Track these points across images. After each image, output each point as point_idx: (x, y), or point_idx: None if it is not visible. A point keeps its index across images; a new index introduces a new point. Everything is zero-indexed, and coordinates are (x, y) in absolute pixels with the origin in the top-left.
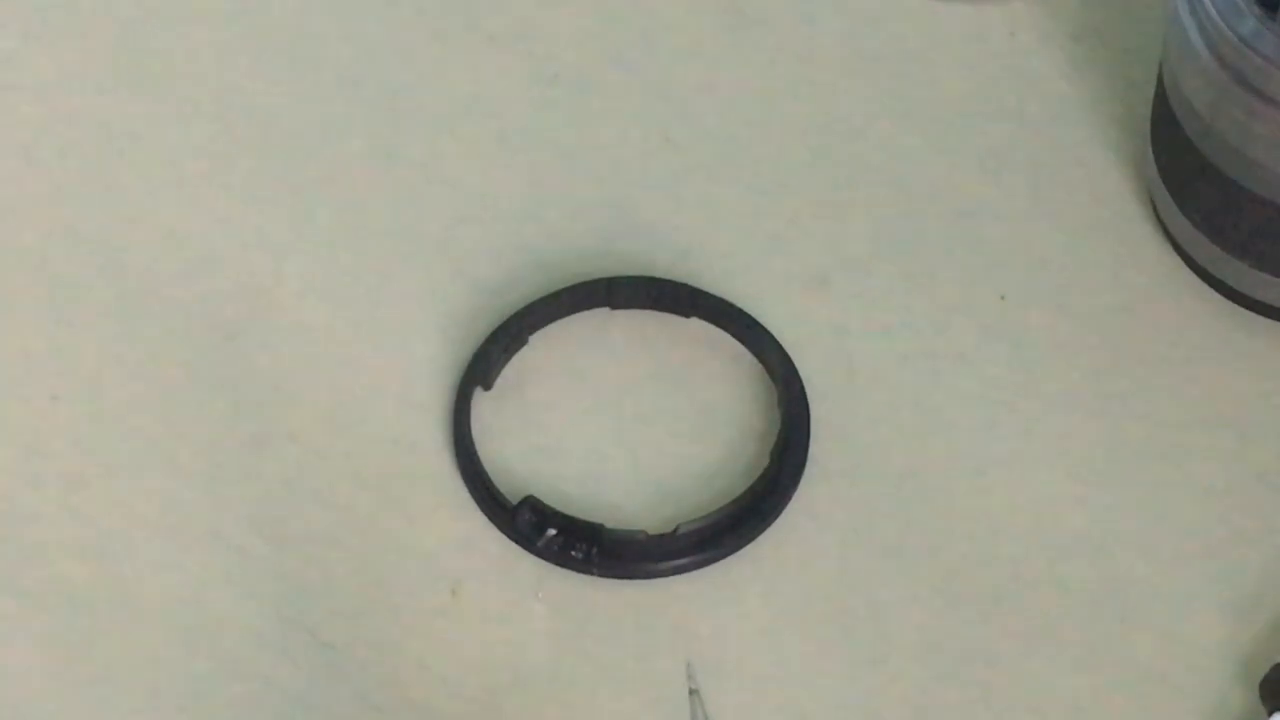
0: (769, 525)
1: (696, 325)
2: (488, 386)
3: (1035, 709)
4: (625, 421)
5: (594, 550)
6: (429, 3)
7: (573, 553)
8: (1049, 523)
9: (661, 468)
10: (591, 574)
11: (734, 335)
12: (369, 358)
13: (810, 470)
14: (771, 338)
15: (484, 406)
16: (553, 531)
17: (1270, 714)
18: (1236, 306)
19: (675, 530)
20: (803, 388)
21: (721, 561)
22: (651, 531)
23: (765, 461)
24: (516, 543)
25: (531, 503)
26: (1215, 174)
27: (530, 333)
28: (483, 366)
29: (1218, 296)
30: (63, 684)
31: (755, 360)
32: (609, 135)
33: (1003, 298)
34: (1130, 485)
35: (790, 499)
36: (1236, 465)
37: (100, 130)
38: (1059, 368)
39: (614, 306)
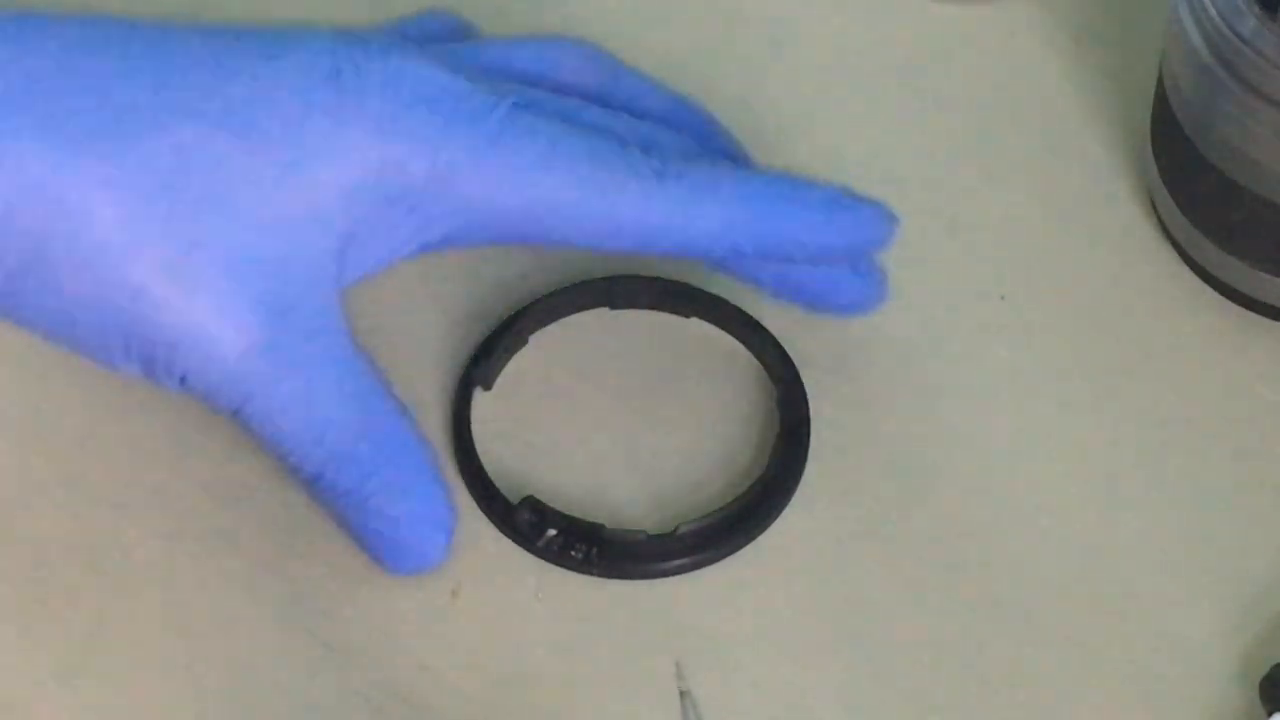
0: (769, 525)
1: (696, 325)
2: (488, 386)
3: (1034, 709)
4: (625, 421)
5: (594, 550)
6: (429, 2)
7: (573, 552)
8: (1049, 523)
9: (661, 468)
10: (591, 574)
11: (734, 335)
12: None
13: (810, 470)
14: (771, 337)
15: (484, 407)
16: (553, 531)
17: (1270, 714)
18: (1236, 306)
19: (675, 530)
20: (802, 388)
21: (721, 562)
22: (652, 531)
23: (765, 461)
24: (516, 543)
25: (531, 503)
26: (1215, 174)
27: (530, 333)
28: (483, 366)
29: (1218, 296)
30: (62, 683)
31: (755, 360)
32: None
33: (1003, 298)
34: (1130, 485)
35: (790, 499)
36: (1236, 465)
37: None
38: (1059, 368)
39: (614, 306)
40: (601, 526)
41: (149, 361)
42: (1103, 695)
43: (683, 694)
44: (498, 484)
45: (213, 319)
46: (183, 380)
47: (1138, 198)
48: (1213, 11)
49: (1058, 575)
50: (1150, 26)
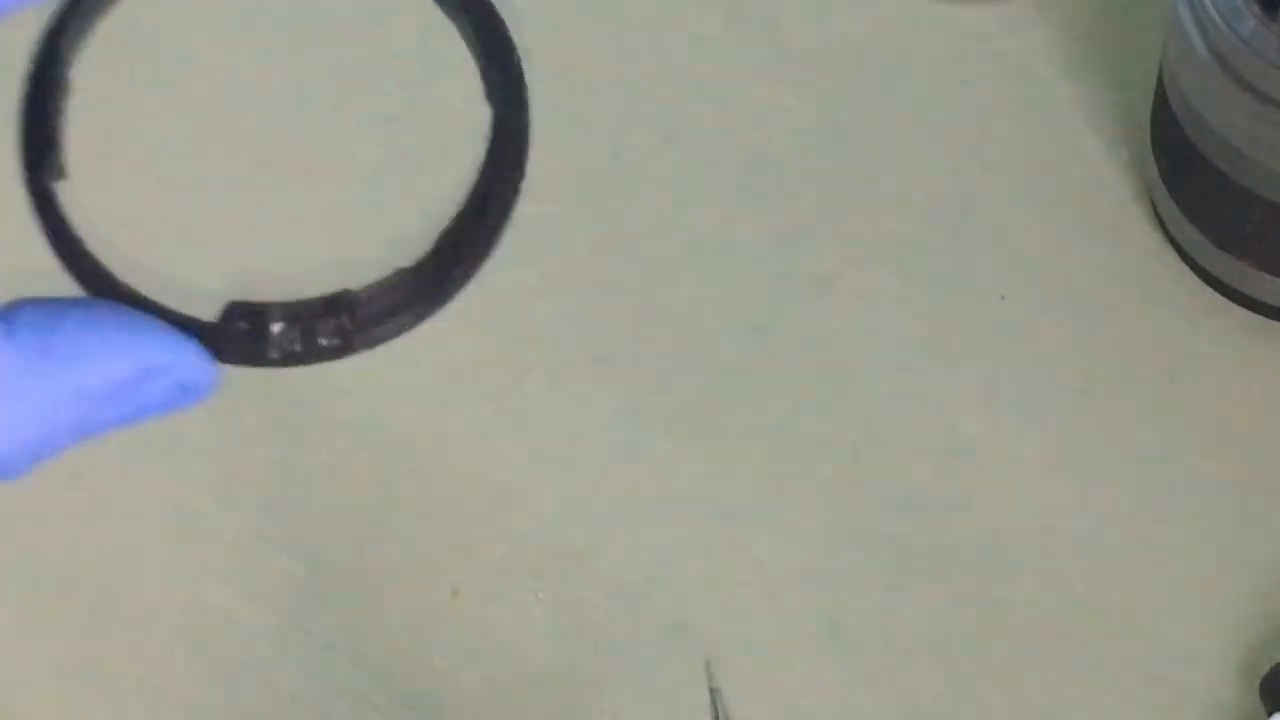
0: (512, 211)
1: None
2: (64, 175)
3: (1034, 709)
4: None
5: (346, 322)
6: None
7: (320, 341)
8: (1049, 523)
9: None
10: (356, 351)
11: None
12: None
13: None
14: None
15: (77, 211)
16: (279, 326)
17: (1270, 714)
18: (1236, 306)
19: (429, 254)
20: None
21: (485, 268)
22: (400, 266)
23: (483, 158)
24: (235, 363)
25: (239, 308)
26: (1215, 174)
27: (69, 69)
28: (47, 156)
29: (1218, 296)
30: (63, 684)
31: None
32: (606, 134)
33: (1002, 298)
34: (1130, 485)
35: (522, 176)
36: (1236, 465)
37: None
38: (1058, 368)
39: None
40: (345, 292)
41: None
42: (1103, 695)
43: (712, 691)
44: (167, 308)
45: None
46: None
47: (1138, 198)
48: (1213, 11)
49: (1057, 576)
50: (1150, 26)
